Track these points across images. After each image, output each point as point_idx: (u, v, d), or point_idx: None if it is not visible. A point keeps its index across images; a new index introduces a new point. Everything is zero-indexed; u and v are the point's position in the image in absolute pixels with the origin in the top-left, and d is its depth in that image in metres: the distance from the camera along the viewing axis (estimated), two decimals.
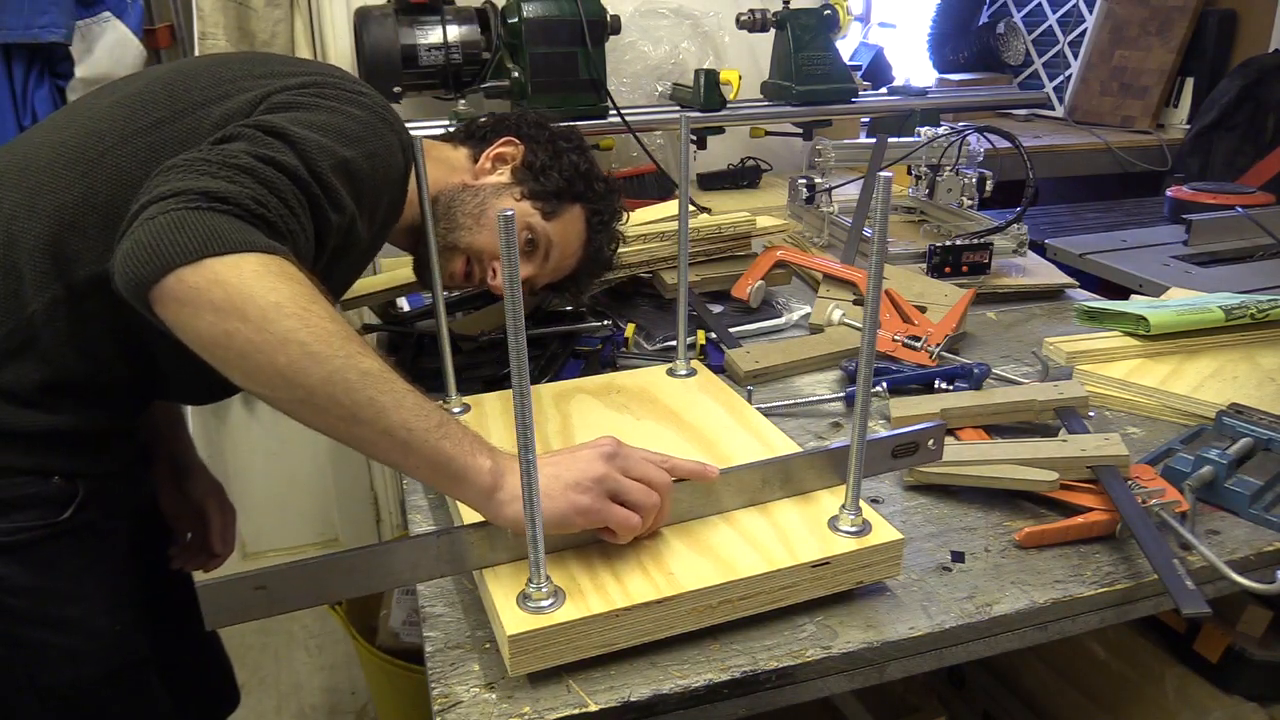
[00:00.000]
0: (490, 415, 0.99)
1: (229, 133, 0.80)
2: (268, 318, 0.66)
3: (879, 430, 1.08)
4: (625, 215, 1.24)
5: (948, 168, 1.77)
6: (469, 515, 0.82)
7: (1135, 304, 1.29)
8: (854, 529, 0.76)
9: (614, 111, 1.83)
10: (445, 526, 0.89)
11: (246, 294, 0.66)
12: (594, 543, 0.75)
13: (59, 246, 0.85)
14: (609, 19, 1.82)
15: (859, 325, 0.98)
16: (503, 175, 1.11)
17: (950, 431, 1.05)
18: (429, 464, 0.70)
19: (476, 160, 1.12)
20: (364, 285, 1.33)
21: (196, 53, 1.79)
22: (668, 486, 0.75)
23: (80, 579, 0.95)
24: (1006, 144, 1.61)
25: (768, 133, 2.15)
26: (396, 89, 1.75)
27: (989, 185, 1.74)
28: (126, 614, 1.01)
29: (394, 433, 0.69)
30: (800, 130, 2.12)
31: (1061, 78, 2.87)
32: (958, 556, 0.84)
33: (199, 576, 1.19)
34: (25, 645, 0.92)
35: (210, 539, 1.26)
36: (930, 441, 0.85)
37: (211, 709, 1.30)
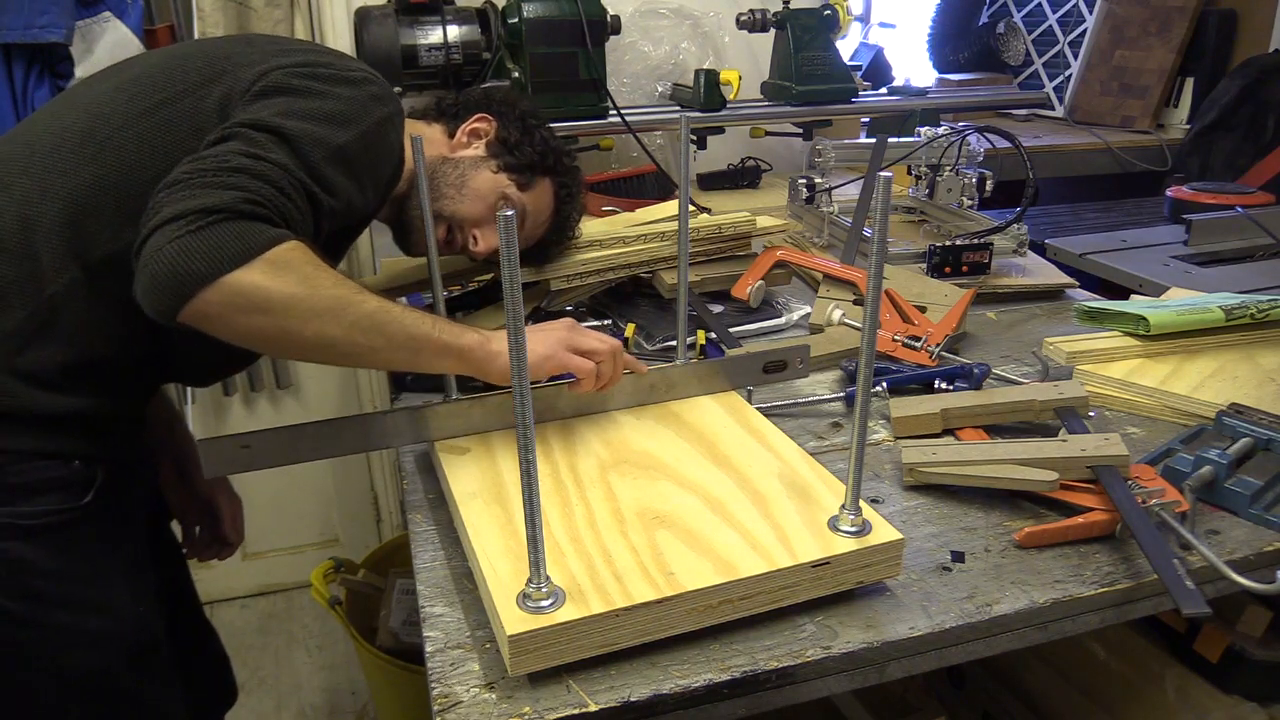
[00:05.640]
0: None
1: (225, 133, 0.84)
2: (288, 307, 0.78)
3: (879, 430, 1.08)
4: (585, 194, 1.30)
5: (948, 168, 1.77)
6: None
7: (1135, 304, 1.29)
8: (854, 529, 0.76)
9: (614, 111, 1.83)
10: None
11: (264, 294, 0.77)
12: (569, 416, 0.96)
13: (75, 229, 0.87)
14: (609, 19, 1.82)
15: (859, 325, 0.98)
16: (478, 149, 1.15)
17: (950, 431, 1.05)
18: (437, 356, 0.88)
19: (452, 135, 1.16)
20: (364, 285, 1.33)
21: None
22: (617, 346, 0.95)
23: (103, 562, 0.98)
24: (1006, 144, 1.61)
25: (768, 133, 2.15)
26: (397, 89, 1.75)
27: (989, 185, 1.74)
28: (146, 597, 1.04)
29: (406, 345, 0.86)
30: (800, 130, 2.12)
31: (1061, 78, 2.87)
32: (958, 556, 0.84)
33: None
34: (49, 628, 0.94)
35: (222, 529, 1.29)
36: (799, 360, 1.05)
37: (211, 704, 1.31)
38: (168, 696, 1.08)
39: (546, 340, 0.92)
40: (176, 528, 1.30)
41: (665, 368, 1.02)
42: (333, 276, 0.82)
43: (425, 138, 1.14)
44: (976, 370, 1.14)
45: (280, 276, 0.78)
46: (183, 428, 1.27)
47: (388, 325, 0.84)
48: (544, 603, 0.68)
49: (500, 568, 0.73)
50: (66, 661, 0.96)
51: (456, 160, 1.14)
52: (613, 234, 1.36)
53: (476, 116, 1.17)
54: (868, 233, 1.57)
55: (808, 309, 1.39)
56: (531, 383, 0.83)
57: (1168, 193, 2.01)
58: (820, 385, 1.19)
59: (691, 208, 1.50)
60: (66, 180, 0.88)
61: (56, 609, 0.94)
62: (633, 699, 0.67)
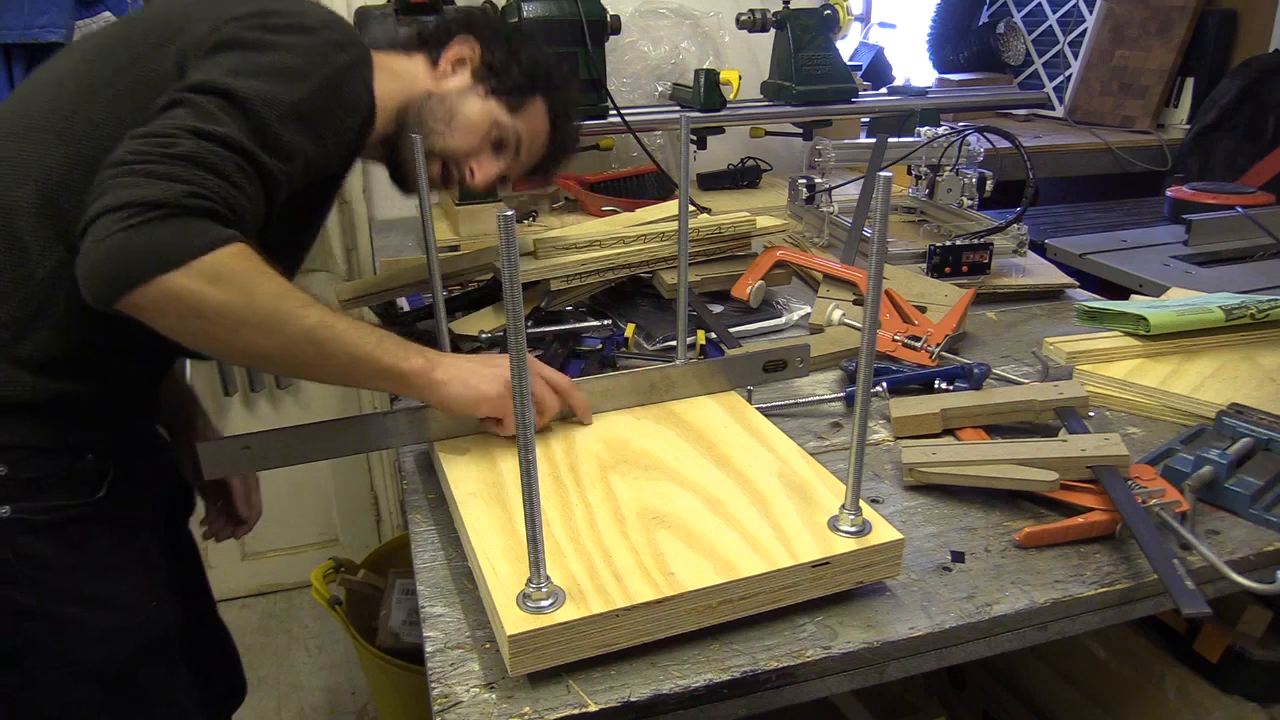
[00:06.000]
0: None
1: (174, 98, 0.82)
2: (221, 315, 0.77)
3: (879, 430, 1.08)
4: (578, 99, 1.27)
5: (948, 168, 1.77)
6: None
7: (1135, 304, 1.29)
8: (854, 529, 0.76)
9: (614, 111, 1.83)
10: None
11: (198, 300, 0.76)
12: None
13: (54, 208, 0.87)
14: (609, 19, 1.82)
15: (859, 325, 0.98)
16: (463, 77, 1.11)
17: (950, 431, 1.05)
18: (377, 378, 0.86)
19: (436, 65, 1.12)
20: (364, 285, 1.33)
21: None
22: (565, 388, 0.94)
23: (115, 556, 0.98)
24: (1006, 144, 1.61)
25: (768, 133, 2.15)
26: None
27: (989, 185, 1.74)
28: (159, 591, 1.04)
29: (345, 365, 0.84)
30: (800, 130, 2.12)
31: (1061, 78, 2.87)
32: (958, 556, 0.84)
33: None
34: (61, 621, 0.95)
35: (235, 506, 1.28)
36: (799, 360, 1.04)
37: (221, 701, 1.32)
38: (180, 691, 1.08)
39: (495, 381, 0.89)
40: (194, 529, 1.31)
41: (665, 367, 1.02)
42: (275, 286, 0.80)
43: (407, 72, 1.11)
44: (976, 370, 1.14)
45: (217, 283, 0.76)
46: (198, 404, 1.27)
47: (327, 343, 0.82)
48: (544, 603, 0.68)
49: (500, 568, 0.73)
50: (78, 655, 0.96)
51: (443, 94, 1.10)
52: (613, 234, 1.36)
53: (458, 40, 1.12)
54: (868, 233, 1.57)
55: (808, 309, 1.39)
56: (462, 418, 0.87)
57: (1168, 193, 2.01)
58: (820, 385, 1.19)
59: (691, 208, 1.50)
60: (39, 160, 0.87)
61: (68, 604, 0.94)
62: (633, 699, 0.67)
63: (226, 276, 0.77)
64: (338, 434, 0.90)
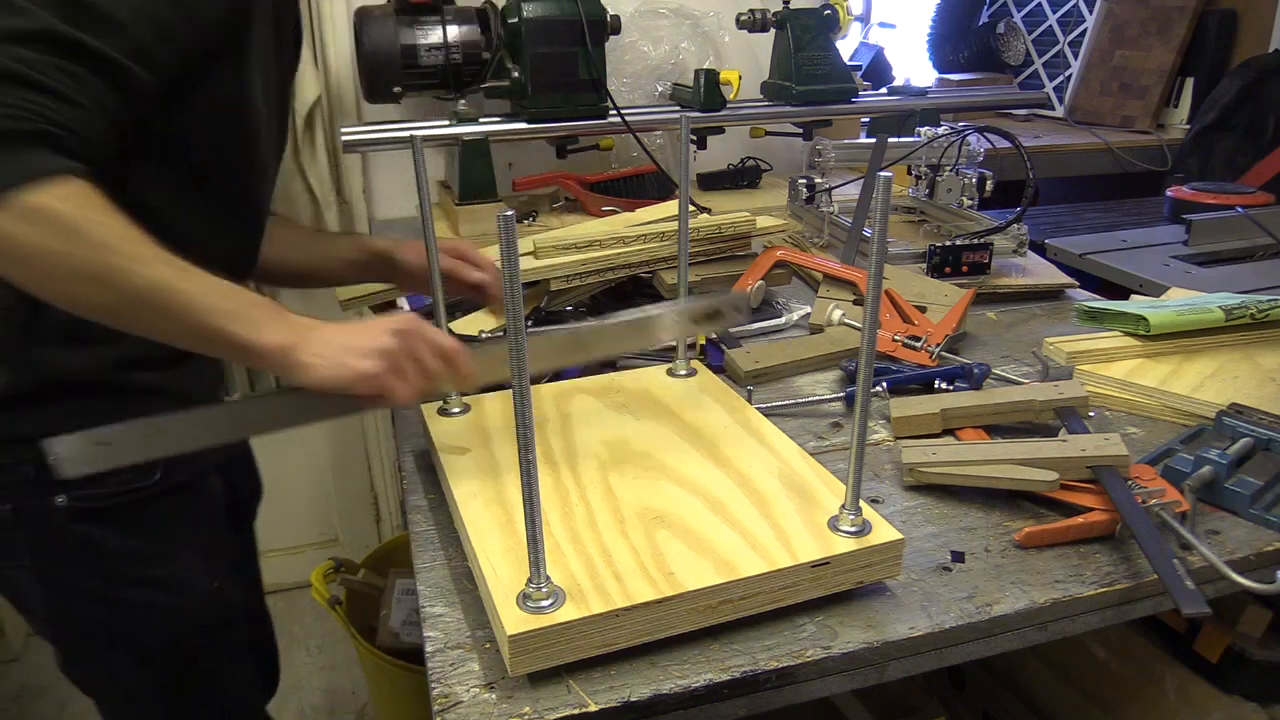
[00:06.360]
0: (490, 415, 0.99)
1: None
2: (40, 263, 0.68)
3: (879, 430, 1.08)
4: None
5: (948, 168, 1.77)
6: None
7: (1135, 304, 1.29)
8: (854, 529, 0.76)
9: (614, 111, 1.83)
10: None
11: (9, 243, 0.66)
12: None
13: None
14: (609, 19, 1.82)
15: (859, 325, 0.98)
16: None
17: (950, 431, 1.05)
18: (228, 351, 0.75)
19: None
20: (364, 285, 1.33)
21: None
22: (454, 352, 0.80)
23: (174, 538, 0.98)
24: (1006, 144, 1.61)
25: (768, 133, 2.15)
26: (396, 89, 1.75)
27: (989, 185, 1.74)
28: (222, 571, 1.04)
29: (192, 332, 0.73)
30: (800, 130, 2.12)
31: (1061, 78, 2.87)
32: (958, 556, 0.84)
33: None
34: (123, 605, 0.95)
35: (464, 281, 1.09)
36: (735, 308, 0.97)
37: (259, 688, 1.31)
38: (240, 674, 1.08)
39: (372, 354, 0.76)
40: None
41: (577, 327, 0.96)
42: (106, 233, 0.69)
43: None
44: (976, 370, 1.14)
45: (35, 225, 0.66)
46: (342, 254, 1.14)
47: (169, 307, 0.71)
48: (544, 603, 0.68)
49: (500, 568, 0.73)
50: (142, 638, 0.97)
51: None
52: (613, 234, 1.36)
53: None
54: (868, 233, 1.57)
55: (808, 309, 1.39)
56: (332, 394, 0.76)
57: (1168, 193, 2.01)
58: (820, 385, 1.20)
59: (691, 208, 1.50)
60: None
61: (130, 586, 0.95)
62: (633, 699, 0.67)
63: (46, 218, 0.66)
64: (205, 422, 0.80)
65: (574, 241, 1.34)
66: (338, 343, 0.76)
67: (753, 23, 1.99)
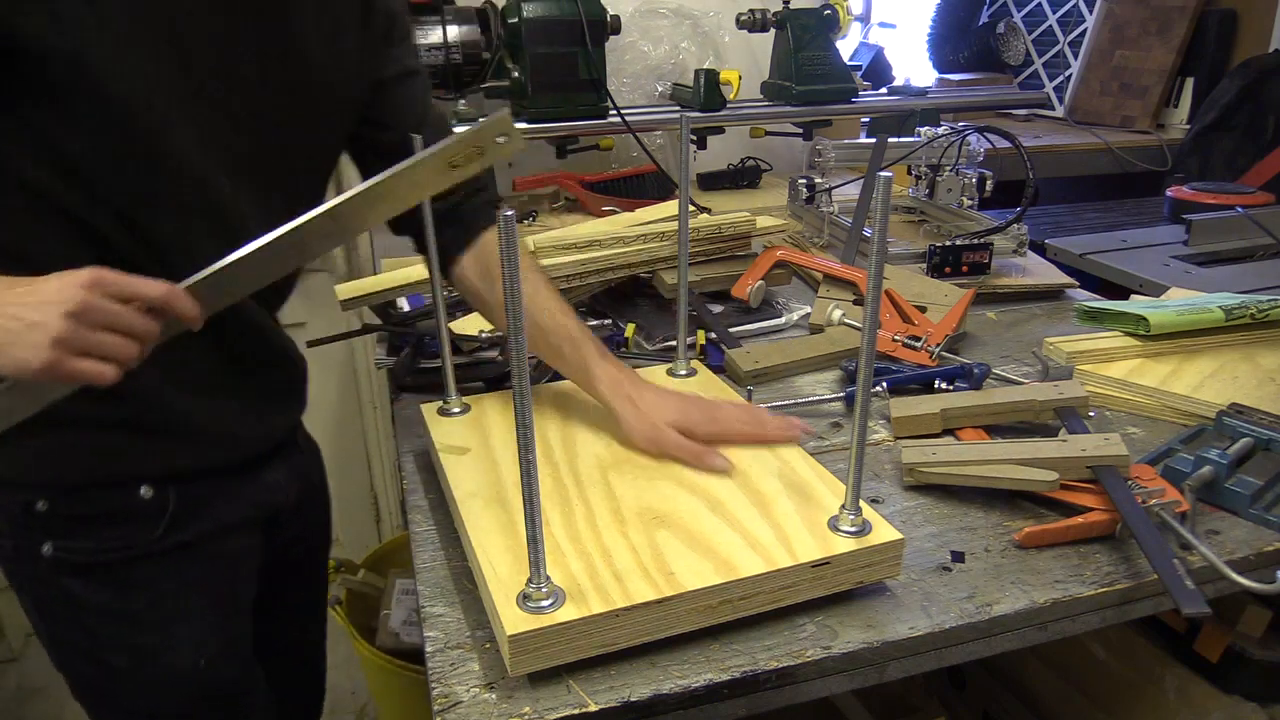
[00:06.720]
0: (490, 415, 0.99)
1: None
2: None
3: (879, 430, 1.08)
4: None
5: (948, 168, 1.77)
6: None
7: (1135, 304, 1.29)
8: (854, 529, 0.76)
9: (614, 111, 1.83)
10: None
11: None
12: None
13: None
14: (609, 19, 1.82)
15: (859, 325, 0.98)
16: None
17: (950, 431, 1.05)
18: None
19: None
20: (364, 285, 1.33)
21: None
22: (166, 296, 0.67)
23: (171, 605, 0.87)
24: (1006, 144, 1.61)
25: (768, 133, 2.15)
26: None
27: (989, 185, 1.74)
28: (214, 646, 0.92)
29: None
30: (800, 130, 2.12)
31: (1061, 78, 2.87)
32: (958, 556, 0.84)
33: None
34: (107, 667, 0.88)
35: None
36: (499, 137, 0.71)
37: None
38: None
39: (40, 330, 0.62)
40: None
41: (297, 223, 0.71)
42: None
43: None
44: (976, 370, 1.14)
45: None
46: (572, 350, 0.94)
47: None
48: (544, 603, 0.68)
49: (500, 568, 0.73)
50: (125, 703, 0.90)
51: None
52: (613, 234, 1.36)
53: None
54: (868, 233, 1.57)
55: (808, 309, 1.39)
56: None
57: (1168, 193, 2.01)
58: (820, 385, 1.19)
59: (691, 208, 1.50)
60: None
61: (113, 650, 0.87)
62: (633, 699, 0.67)
63: None
64: None
65: (574, 241, 1.34)
66: (7, 313, 0.62)
67: (753, 23, 1.99)
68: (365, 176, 0.95)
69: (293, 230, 0.70)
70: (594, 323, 1.29)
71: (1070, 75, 2.84)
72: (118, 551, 0.83)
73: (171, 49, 0.73)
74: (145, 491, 0.83)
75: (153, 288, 0.67)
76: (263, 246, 0.70)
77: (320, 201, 0.71)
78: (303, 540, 1.11)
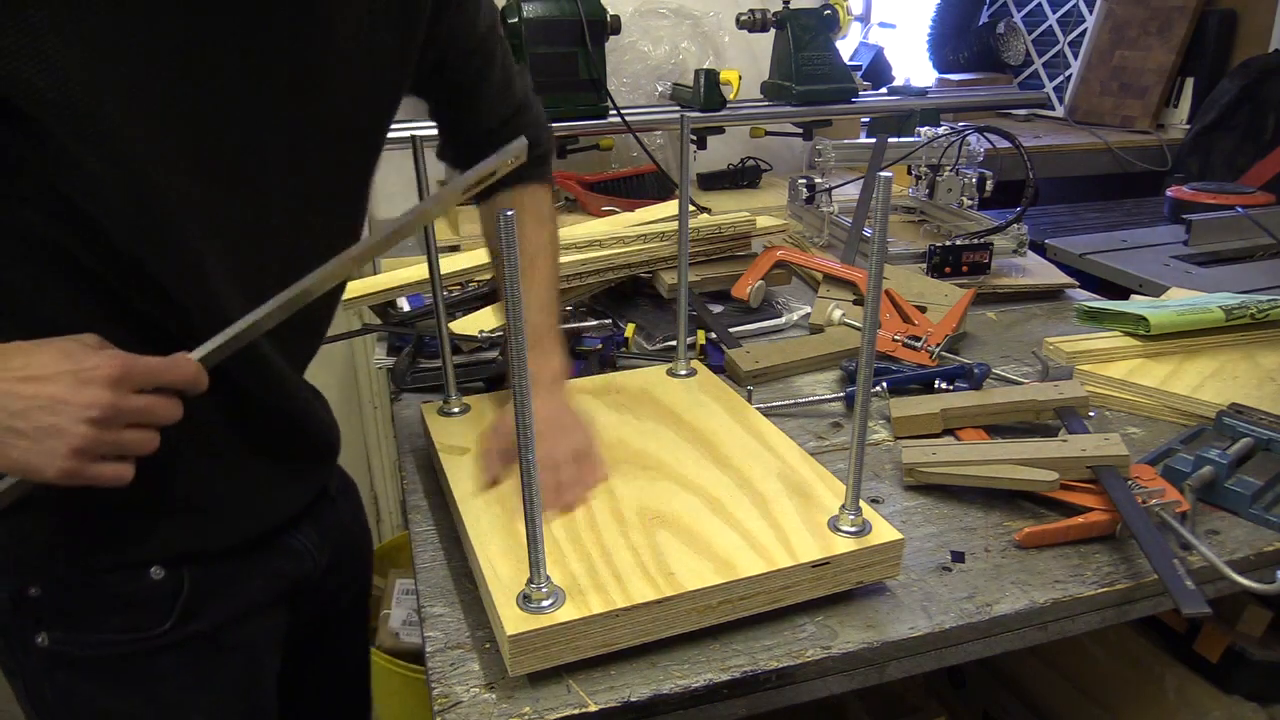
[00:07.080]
0: (490, 415, 0.99)
1: None
2: None
3: (879, 430, 1.08)
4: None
5: (948, 168, 1.77)
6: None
7: (1135, 304, 1.29)
8: (854, 529, 0.76)
9: (614, 111, 1.83)
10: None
11: None
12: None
13: None
14: (609, 19, 1.82)
15: (859, 325, 0.98)
16: None
17: (950, 431, 1.05)
18: None
19: None
20: (364, 285, 1.33)
21: None
22: (177, 374, 0.59)
23: (180, 704, 0.78)
24: (1006, 144, 1.61)
25: (768, 133, 2.15)
26: None
27: (989, 185, 1.74)
28: None
29: None
30: (800, 130, 2.13)
31: (1061, 78, 2.87)
32: (958, 556, 0.84)
33: None
34: None
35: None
36: (512, 159, 0.74)
37: None
38: None
39: (57, 438, 0.56)
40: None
41: (333, 264, 0.70)
42: None
43: None
44: (976, 370, 1.14)
45: None
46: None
47: None
48: (544, 603, 0.68)
49: (500, 568, 0.73)
50: None
51: None
52: (613, 234, 1.36)
53: None
54: (868, 233, 1.57)
55: (808, 309, 1.39)
56: None
57: (1168, 193, 2.01)
58: (820, 385, 1.19)
59: (691, 208, 1.50)
60: None
61: None
62: (633, 699, 0.67)
63: None
64: None
65: (574, 241, 1.34)
66: (8, 427, 0.55)
67: (753, 23, 1.99)
68: (433, 108, 0.93)
69: (311, 278, 0.67)
70: (594, 323, 1.29)
71: (1070, 75, 2.84)
72: (121, 645, 0.75)
73: (196, 129, 0.65)
74: (156, 573, 0.74)
75: (183, 370, 0.60)
76: (284, 304, 0.66)
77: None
78: (347, 589, 1.01)
